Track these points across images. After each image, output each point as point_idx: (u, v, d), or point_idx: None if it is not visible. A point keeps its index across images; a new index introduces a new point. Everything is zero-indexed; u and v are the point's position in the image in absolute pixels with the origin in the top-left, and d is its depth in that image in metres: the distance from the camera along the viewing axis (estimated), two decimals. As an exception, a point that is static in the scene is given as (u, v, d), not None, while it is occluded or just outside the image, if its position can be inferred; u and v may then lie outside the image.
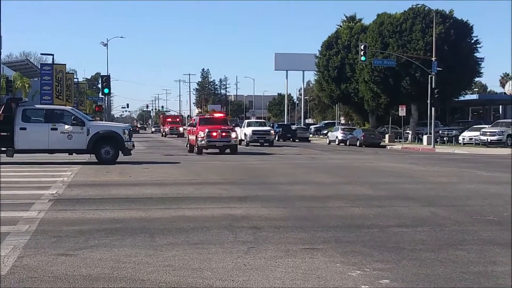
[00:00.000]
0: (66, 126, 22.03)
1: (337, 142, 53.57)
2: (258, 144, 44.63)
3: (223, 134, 31.84)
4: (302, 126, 76.88)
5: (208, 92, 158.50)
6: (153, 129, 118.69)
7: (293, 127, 69.46)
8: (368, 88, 57.60)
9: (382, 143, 50.01)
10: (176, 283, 5.96)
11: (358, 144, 48.70)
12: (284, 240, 8.12)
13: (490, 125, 47.92)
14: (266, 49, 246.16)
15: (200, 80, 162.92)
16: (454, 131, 53.25)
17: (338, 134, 54.65)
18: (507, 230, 8.97)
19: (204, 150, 31.89)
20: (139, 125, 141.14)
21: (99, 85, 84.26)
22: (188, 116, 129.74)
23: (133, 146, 23.42)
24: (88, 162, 22.53)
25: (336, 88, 65.77)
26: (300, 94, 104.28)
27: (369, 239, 8.19)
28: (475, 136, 45.86)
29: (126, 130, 22.97)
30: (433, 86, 44.08)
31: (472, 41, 55.12)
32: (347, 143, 50.97)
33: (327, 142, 56.52)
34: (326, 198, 12.59)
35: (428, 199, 12.57)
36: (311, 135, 70.70)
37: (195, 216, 10.04)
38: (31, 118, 22.29)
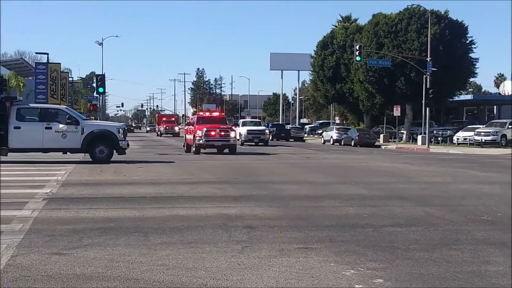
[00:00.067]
0: (61, 125, 21.99)
1: (331, 142, 53.61)
2: (253, 143, 44.64)
3: (222, 133, 30.92)
4: (297, 125, 76.94)
5: (203, 91, 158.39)
6: (148, 128, 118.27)
7: (288, 126, 69.53)
8: (363, 88, 57.66)
9: (376, 143, 50.08)
10: (170, 282, 5.95)
11: (352, 144, 48.76)
12: (278, 239, 8.12)
13: (484, 125, 48.02)
14: (262, 48, 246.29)
15: (195, 79, 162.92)
16: (448, 131, 53.34)
17: (333, 134, 54.69)
18: (501, 230, 9.00)
19: (202, 150, 31.02)
20: (134, 125, 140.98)
21: (94, 84, 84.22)
22: (183, 115, 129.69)
23: (128, 145, 23.40)
24: (83, 161, 22.50)
25: (331, 88, 65.82)
26: (295, 94, 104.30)
27: (363, 239, 8.20)
28: (469, 136, 45.95)
29: (120, 129, 22.93)
30: (428, 86, 44.15)
31: (467, 42, 55.24)
32: (342, 143, 51.02)
33: (322, 141, 56.56)
34: (321, 198, 12.59)
35: (422, 199, 12.59)
36: (306, 135, 70.73)
37: (189, 216, 10.03)
38: (25, 117, 22.24)
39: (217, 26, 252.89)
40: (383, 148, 46.91)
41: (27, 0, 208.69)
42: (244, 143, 44.67)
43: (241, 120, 55.23)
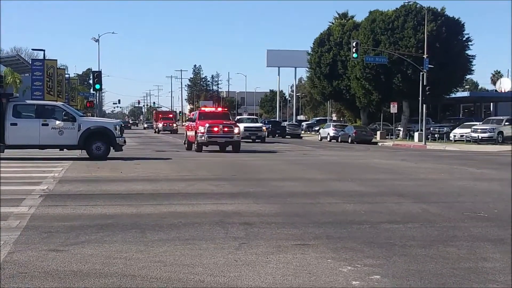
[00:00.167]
0: (57, 122, 21.95)
1: (328, 139, 53.63)
2: (250, 140, 44.61)
3: (225, 129, 29.60)
4: (294, 122, 76.91)
5: (200, 88, 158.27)
6: (145, 125, 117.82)
7: (285, 123, 69.53)
8: (359, 85, 57.68)
9: (373, 140, 50.13)
10: (167, 279, 5.95)
11: (349, 140, 48.80)
12: (276, 236, 8.12)
13: (481, 122, 48.10)
14: (258, 45, 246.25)
15: (192, 76, 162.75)
16: (445, 128, 53.42)
17: (330, 130, 54.72)
18: (498, 227, 9.02)
19: (203, 148, 29.83)
20: (131, 121, 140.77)
21: (91, 81, 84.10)
22: (180, 112, 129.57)
23: (125, 142, 23.36)
24: (79, 158, 22.47)
25: (328, 85, 65.80)
26: (292, 91, 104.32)
27: (360, 235, 8.21)
28: (466, 133, 46.03)
29: (117, 126, 22.90)
30: (424, 83, 44.19)
31: (464, 39, 55.26)
32: (339, 140, 51.04)
33: (319, 138, 56.58)
34: (318, 195, 12.60)
35: (419, 196, 12.61)
36: (302, 132, 70.72)
37: (186, 212, 10.03)
38: (22, 114, 22.19)
39: (214, 23, 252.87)
40: (380, 145, 46.95)
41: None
42: (241, 140, 44.57)
43: (238, 117, 55.20)
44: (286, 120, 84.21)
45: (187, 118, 37.42)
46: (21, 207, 10.22)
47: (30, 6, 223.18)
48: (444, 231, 8.64)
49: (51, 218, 9.25)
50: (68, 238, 7.76)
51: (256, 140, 44.64)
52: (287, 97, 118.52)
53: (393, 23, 53.90)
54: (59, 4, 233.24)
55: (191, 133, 31.34)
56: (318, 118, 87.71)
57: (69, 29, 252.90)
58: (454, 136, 47.79)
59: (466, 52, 55.40)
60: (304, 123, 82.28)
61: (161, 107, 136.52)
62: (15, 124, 21.68)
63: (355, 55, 45.58)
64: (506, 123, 45.20)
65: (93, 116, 56.80)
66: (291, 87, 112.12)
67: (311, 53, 68.94)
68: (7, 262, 6.49)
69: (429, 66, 45.20)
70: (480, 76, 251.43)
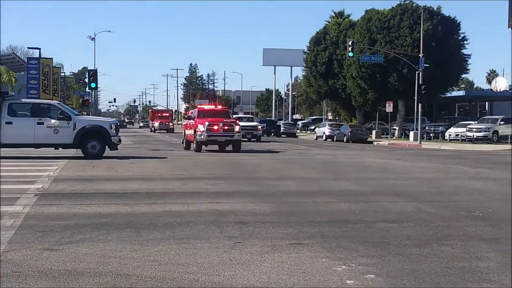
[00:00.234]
0: (53, 121, 21.90)
1: (324, 138, 53.67)
2: (246, 139, 44.56)
3: (225, 127, 28.34)
4: (290, 121, 76.93)
5: (195, 87, 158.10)
6: (141, 124, 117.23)
7: (281, 122, 69.54)
8: (355, 84, 57.74)
9: (369, 139, 50.18)
10: (161, 278, 5.95)
11: (345, 139, 48.84)
12: (270, 235, 8.13)
13: (476, 122, 48.19)
14: (255, 44, 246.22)
15: (188, 75, 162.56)
16: (440, 127, 53.51)
17: (325, 129, 54.76)
18: (492, 226, 9.04)
19: (202, 147, 28.71)
20: (126, 120, 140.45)
21: (86, 80, 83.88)
22: (176, 111, 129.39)
23: (120, 140, 23.32)
24: (75, 157, 22.42)
25: (324, 84, 65.83)
26: (288, 90, 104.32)
27: (355, 235, 8.22)
28: (461, 132, 46.12)
29: (113, 125, 22.86)
30: (420, 82, 44.27)
31: (459, 38, 55.38)
32: (334, 139, 51.09)
33: (314, 137, 56.59)
34: (313, 194, 12.61)
35: (414, 195, 12.64)
36: (298, 131, 70.75)
37: (181, 211, 10.03)
38: (17, 112, 22.13)
39: (210, 21, 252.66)
40: (375, 144, 47.00)
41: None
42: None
43: (234, 116, 55.12)
44: (282, 119, 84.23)
45: (185, 116, 35.64)
46: (15, 206, 10.19)
47: (26, 4, 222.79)
48: (438, 230, 8.66)
49: (45, 217, 9.24)
50: (62, 237, 7.75)
51: (252, 139, 44.62)
52: (283, 96, 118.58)
53: (389, 22, 53.97)
54: (55, 2, 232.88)
55: (189, 132, 30.15)
56: (313, 117, 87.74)
57: (65, 27, 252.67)
58: (449, 135, 47.88)
59: (462, 51, 55.55)
60: (299, 122, 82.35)
61: (156, 106, 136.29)
62: (10, 123, 21.62)
63: (351, 54, 45.60)
64: (501, 122, 45.30)
65: (89, 115, 56.73)
66: (287, 86, 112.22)
67: (307, 52, 68.97)
68: (1, 261, 6.48)
69: (425, 65, 45.28)
70: (476, 75, 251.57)
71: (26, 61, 53.81)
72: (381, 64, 52.32)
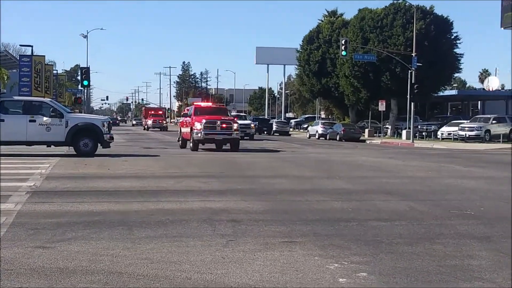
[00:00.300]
0: (45, 118, 21.83)
1: (317, 136, 53.74)
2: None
3: (223, 125, 27.35)
4: (283, 120, 76.97)
5: (188, 85, 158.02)
6: (134, 122, 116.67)
7: (274, 120, 69.56)
8: (348, 83, 57.81)
9: (361, 138, 50.27)
10: (154, 276, 5.94)
11: (338, 138, 48.91)
12: (263, 233, 8.12)
13: (468, 121, 48.35)
14: (248, 42, 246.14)
15: (180, 73, 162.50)
16: (433, 126, 53.66)
17: (318, 128, 54.84)
18: (484, 224, 9.07)
19: (200, 145, 27.79)
20: (119, 118, 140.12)
21: (79, 77, 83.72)
22: (169, 109, 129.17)
23: (112, 138, 23.27)
24: (67, 155, 22.37)
25: (317, 83, 65.91)
26: (281, 88, 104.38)
27: (347, 233, 8.23)
28: (453, 131, 46.24)
29: (105, 123, 22.81)
30: (412, 81, 44.33)
31: (452, 37, 55.53)
32: (327, 137, 51.16)
33: (307, 136, 56.66)
34: (306, 192, 12.61)
35: (407, 194, 12.66)
36: (291, 129, 70.81)
37: (174, 209, 10.01)
38: (9, 110, 22.04)
39: (204, 20, 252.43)
40: (368, 142, 47.08)
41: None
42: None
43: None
44: (274, 118, 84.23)
45: (182, 113, 33.94)
46: (7, 204, 10.15)
47: (19, 1, 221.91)
48: (430, 228, 8.68)
49: (37, 215, 9.21)
50: (54, 235, 7.73)
51: (245, 138, 44.58)
52: (276, 94, 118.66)
53: (382, 21, 54.06)
54: (47, 0, 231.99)
55: (186, 130, 29.31)
56: (306, 116, 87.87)
57: (58, 25, 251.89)
58: (442, 134, 48.01)
59: (454, 50, 55.71)
60: (292, 121, 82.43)
61: (149, 104, 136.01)
62: (2, 120, 21.52)
63: (344, 52, 45.66)
64: (494, 122, 45.45)
65: (81, 113, 56.52)
66: (280, 85, 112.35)
67: (300, 50, 69.03)
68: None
69: (418, 64, 45.35)
70: (468, 74, 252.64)
71: (18, 58, 53.57)
72: (374, 63, 52.41)
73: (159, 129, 72.24)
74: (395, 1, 54.73)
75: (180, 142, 30.83)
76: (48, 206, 10.12)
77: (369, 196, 12.13)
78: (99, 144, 22.36)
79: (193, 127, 27.36)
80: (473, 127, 44.92)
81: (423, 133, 50.87)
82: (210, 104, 33.30)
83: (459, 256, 7.01)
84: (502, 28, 45.70)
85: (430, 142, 43.64)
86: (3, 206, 9.86)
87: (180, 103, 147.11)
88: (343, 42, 45.64)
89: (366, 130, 54.56)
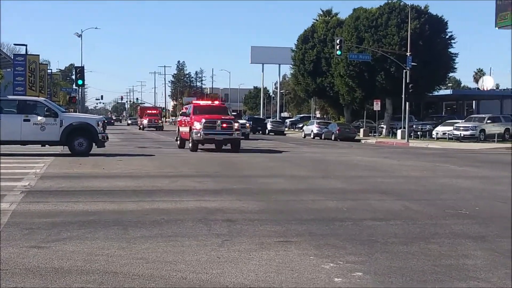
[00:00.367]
0: (39, 118, 21.77)
1: (312, 136, 53.77)
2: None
3: (224, 125, 26.27)
4: (278, 119, 77.00)
5: (183, 84, 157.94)
6: (129, 122, 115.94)
7: (269, 120, 69.57)
8: (343, 82, 57.86)
9: (356, 137, 50.36)
10: (149, 276, 5.93)
11: (333, 138, 48.96)
12: (258, 233, 8.12)
13: (463, 120, 48.45)
14: (243, 42, 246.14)
15: (175, 72, 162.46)
16: (428, 126, 53.76)
17: (314, 128, 54.86)
18: (479, 224, 9.09)
19: (199, 146, 26.82)
20: (114, 117, 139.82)
21: (73, 76, 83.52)
22: (163, 108, 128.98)
23: (107, 138, 23.23)
24: (61, 154, 22.31)
25: (312, 82, 65.95)
26: (276, 88, 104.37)
27: (342, 232, 8.24)
28: (448, 131, 46.33)
29: (100, 122, 22.76)
30: (407, 81, 44.40)
31: (447, 37, 55.63)
32: (322, 137, 51.20)
33: (303, 135, 56.70)
34: (301, 192, 12.62)
35: (401, 193, 12.67)
36: (286, 129, 70.83)
37: (169, 209, 10.00)
38: (3, 109, 21.95)
39: (198, 19, 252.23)
40: (363, 142, 47.14)
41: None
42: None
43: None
44: (270, 117, 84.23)
45: (180, 112, 31.72)
46: (2, 203, 10.10)
47: (13, 1, 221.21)
48: (426, 228, 8.69)
49: (32, 215, 9.18)
50: (49, 235, 7.70)
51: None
52: (271, 94, 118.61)
53: (377, 21, 54.12)
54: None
55: (184, 129, 28.22)
56: (301, 115, 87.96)
57: (52, 24, 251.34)
58: (437, 133, 48.10)
59: (449, 50, 55.82)
60: (287, 120, 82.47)
61: (144, 103, 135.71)
62: (-3, 120, 21.45)
63: (338, 52, 45.70)
64: (488, 121, 45.58)
65: (76, 112, 56.44)
66: (275, 84, 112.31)
67: (295, 50, 69.07)
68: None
69: (412, 64, 45.42)
70: (463, 74, 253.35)
71: (12, 57, 53.41)
72: (368, 63, 52.48)
73: (154, 129, 71.48)
74: (389, 1, 54.80)
75: (178, 142, 29.97)
76: (43, 206, 10.09)
77: (364, 196, 12.14)
78: (93, 144, 22.32)
79: (192, 127, 26.38)
80: (468, 126, 45.04)
81: (418, 133, 50.97)
82: (209, 102, 31.55)
83: (454, 255, 7.02)
84: (497, 28, 45.76)
85: (425, 142, 43.72)
86: (-3, 206, 9.83)
87: (175, 103, 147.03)
88: (338, 41, 45.69)
89: (361, 130, 54.66)
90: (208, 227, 8.40)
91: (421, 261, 6.68)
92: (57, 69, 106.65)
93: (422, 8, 54.78)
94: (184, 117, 29.28)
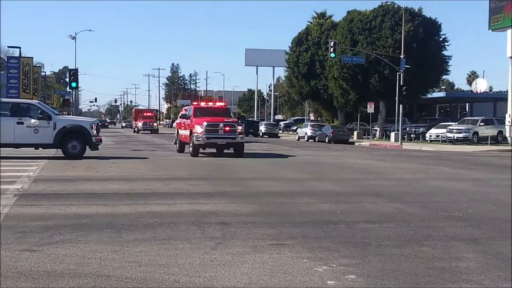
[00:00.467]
0: (33, 120, 21.70)
1: (306, 139, 53.78)
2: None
3: (226, 128, 24.74)
4: (272, 122, 77.00)
5: (177, 87, 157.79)
6: (123, 124, 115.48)
7: (263, 123, 69.56)
8: (337, 85, 57.91)
9: (350, 140, 50.38)
10: (142, 279, 5.92)
11: (327, 140, 48.98)
12: (252, 236, 8.12)
13: (456, 123, 48.56)
14: (237, 44, 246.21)
15: (169, 75, 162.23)
16: (421, 128, 53.82)
17: (307, 130, 54.88)
18: (472, 226, 9.11)
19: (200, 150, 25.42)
20: (108, 120, 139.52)
21: (67, 79, 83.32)
22: (157, 111, 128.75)
23: (101, 141, 23.17)
24: (55, 157, 22.25)
25: (306, 85, 65.99)
26: (270, 90, 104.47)
27: (336, 235, 8.24)
28: (442, 133, 46.42)
29: (93, 125, 22.71)
30: (401, 84, 44.48)
31: (440, 39, 55.73)
32: (316, 140, 51.21)
33: (296, 138, 56.69)
34: (294, 194, 12.63)
35: (395, 196, 12.70)
36: (280, 131, 70.83)
37: (162, 212, 9.99)
38: (-4, 112, 21.89)
39: (193, 21, 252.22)
40: (356, 144, 47.18)
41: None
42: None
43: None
44: (264, 120, 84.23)
45: (180, 114, 29.69)
46: (-6, 207, 10.08)
47: (6, 2, 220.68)
48: (419, 230, 8.71)
49: (25, 218, 9.16)
50: (42, 238, 7.69)
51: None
52: (265, 96, 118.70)
53: (371, 23, 54.20)
54: (35, 1, 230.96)
55: (184, 132, 26.70)
56: (295, 118, 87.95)
57: (46, 26, 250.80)
58: (430, 136, 48.17)
59: (443, 52, 55.91)
60: (282, 123, 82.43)
61: (138, 106, 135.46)
62: (-10, 123, 21.37)
63: (332, 54, 45.75)
64: (482, 124, 45.71)
65: (69, 115, 56.29)
66: (269, 87, 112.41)
67: (289, 52, 69.09)
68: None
69: (406, 66, 45.50)
70: (456, 76, 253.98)
71: (6, 60, 53.31)
72: (362, 65, 52.56)
73: (149, 132, 70.34)
74: (383, 3, 54.87)
75: (177, 145, 28.23)
76: (36, 209, 10.07)
77: (357, 198, 12.16)
78: (87, 147, 22.26)
79: (193, 130, 24.93)
80: (461, 129, 45.15)
81: (412, 135, 51.04)
82: (210, 104, 29.47)
83: (447, 258, 7.04)
84: (490, 30, 45.88)
85: (418, 144, 43.79)
86: (-10, 209, 9.80)
87: (169, 105, 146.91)
88: (332, 44, 45.74)
89: (355, 132, 54.71)
90: (202, 230, 8.39)
91: (414, 264, 6.69)
92: (50, 71, 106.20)
93: (416, 10, 54.87)
94: (184, 120, 27.77)
